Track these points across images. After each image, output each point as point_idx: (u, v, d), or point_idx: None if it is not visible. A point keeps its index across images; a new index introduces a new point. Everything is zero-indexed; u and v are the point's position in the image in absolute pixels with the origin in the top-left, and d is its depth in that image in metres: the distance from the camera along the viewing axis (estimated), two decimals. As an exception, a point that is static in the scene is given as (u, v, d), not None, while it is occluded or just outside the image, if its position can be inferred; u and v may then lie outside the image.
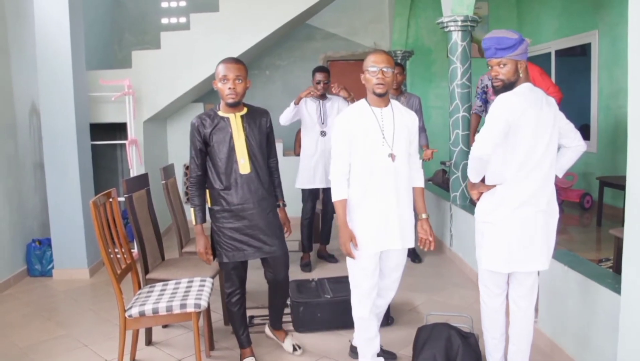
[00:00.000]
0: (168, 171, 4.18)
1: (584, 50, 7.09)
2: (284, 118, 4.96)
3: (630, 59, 2.41)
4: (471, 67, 5.14)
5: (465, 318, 3.39)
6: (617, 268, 3.75)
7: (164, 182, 4.02)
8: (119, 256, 3.15)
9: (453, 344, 2.94)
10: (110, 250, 2.95)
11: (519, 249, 2.69)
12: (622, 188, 5.54)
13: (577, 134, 2.80)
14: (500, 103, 2.64)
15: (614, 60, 6.15)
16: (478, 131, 5.33)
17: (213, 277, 3.43)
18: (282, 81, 8.25)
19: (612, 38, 6.15)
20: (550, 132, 2.66)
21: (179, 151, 7.09)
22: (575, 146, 2.78)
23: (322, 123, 4.98)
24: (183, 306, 2.89)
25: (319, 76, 4.97)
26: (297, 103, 4.91)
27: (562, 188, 6.43)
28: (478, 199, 2.84)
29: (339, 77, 8.37)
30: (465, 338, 2.99)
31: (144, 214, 3.60)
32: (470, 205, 5.29)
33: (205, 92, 7.49)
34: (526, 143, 2.62)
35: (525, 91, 2.65)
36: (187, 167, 7.11)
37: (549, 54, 7.51)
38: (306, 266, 4.99)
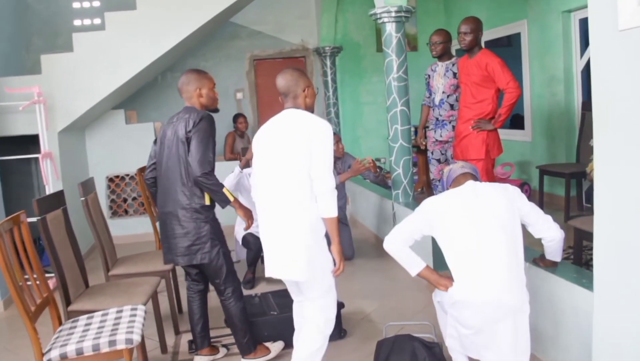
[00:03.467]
0: (87, 186, 3.74)
1: (510, 41, 7.09)
2: (228, 184, 4.43)
3: (592, 50, 2.28)
4: (407, 60, 4.96)
5: (427, 325, 3.17)
6: (576, 259, 3.64)
7: (83, 198, 3.59)
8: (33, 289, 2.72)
9: (418, 357, 2.70)
10: (22, 283, 2.52)
11: (477, 345, 2.51)
12: (561, 175, 5.54)
13: (547, 223, 2.60)
14: (422, 204, 2.70)
15: (544, 48, 6.14)
16: (427, 127, 5.23)
17: (145, 303, 3.06)
18: (208, 82, 7.85)
19: (541, 27, 6.14)
20: (491, 222, 2.49)
21: (100, 163, 6.55)
22: (548, 239, 2.63)
23: None
24: (112, 343, 2.50)
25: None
26: (242, 167, 4.57)
27: (502, 179, 6.38)
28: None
29: (266, 77, 8.08)
30: (430, 349, 2.77)
31: (62, 237, 3.17)
32: (413, 202, 5.11)
33: (126, 98, 7.01)
34: (447, 237, 2.56)
35: (453, 191, 2.67)
36: (110, 180, 6.60)
37: (478, 45, 7.47)
38: (248, 283, 4.63)
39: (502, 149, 4.34)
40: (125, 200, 6.68)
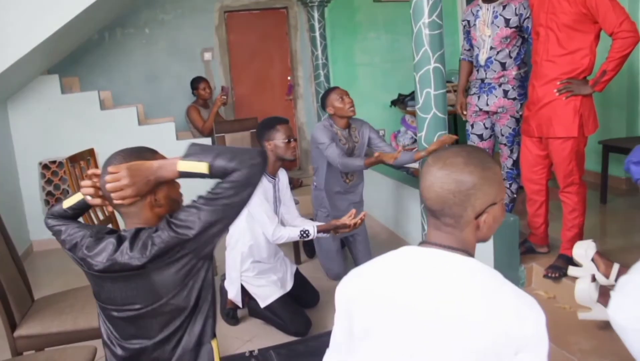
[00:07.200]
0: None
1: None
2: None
3: None
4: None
5: None
6: None
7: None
8: None
9: None
10: None
11: None
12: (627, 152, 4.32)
13: None
14: None
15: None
16: (468, 87, 3.89)
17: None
18: (168, 40, 6.33)
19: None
20: None
21: (30, 146, 5.04)
22: None
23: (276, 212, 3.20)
24: None
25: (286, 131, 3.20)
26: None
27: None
28: None
29: (240, 33, 6.61)
30: None
31: None
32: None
33: (63, 60, 5.52)
34: None
35: None
36: (44, 166, 5.10)
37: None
38: (232, 318, 3.31)
39: (598, 124, 3.03)
40: (66, 192, 5.21)
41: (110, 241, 1.52)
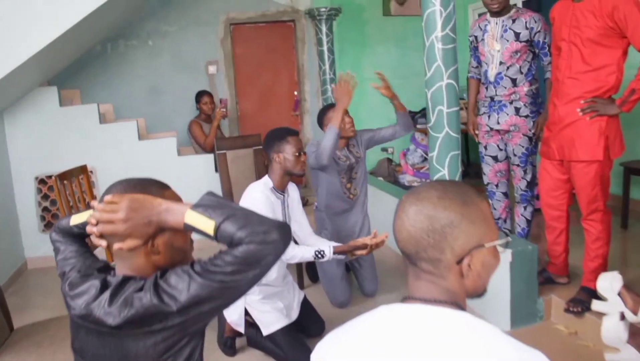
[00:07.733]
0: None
1: None
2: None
3: None
4: (455, 12, 3.43)
5: None
6: None
7: None
8: None
9: None
10: None
11: None
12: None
13: None
14: None
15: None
16: (478, 109, 3.69)
17: None
18: (172, 52, 6.18)
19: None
20: None
21: (26, 159, 4.87)
22: None
23: None
24: None
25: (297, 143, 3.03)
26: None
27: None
28: None
29: (246, 46, 6.46)
30: None
31: None
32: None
33: (63, 71, 5.37)
34: None
35: None
36: (41, 181, 4.93)
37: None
38: (229, 348, 3.10)
39: (625, 146, 2.82)
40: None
41: (94, 285, 1.26)
